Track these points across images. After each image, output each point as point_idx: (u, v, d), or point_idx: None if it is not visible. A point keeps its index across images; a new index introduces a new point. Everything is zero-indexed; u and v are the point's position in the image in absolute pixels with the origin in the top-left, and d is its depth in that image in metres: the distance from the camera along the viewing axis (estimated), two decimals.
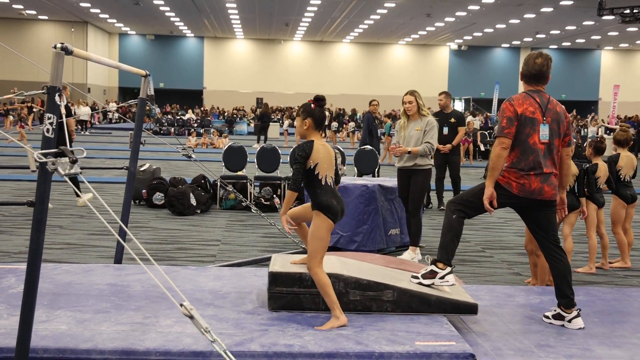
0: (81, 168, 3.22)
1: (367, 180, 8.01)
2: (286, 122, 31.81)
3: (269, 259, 7.04)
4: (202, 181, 10.93)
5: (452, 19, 38.17)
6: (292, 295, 4.46)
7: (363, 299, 4.46)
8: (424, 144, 7.09)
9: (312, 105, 4.43)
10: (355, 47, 52.07)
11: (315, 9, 35.99)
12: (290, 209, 4.61)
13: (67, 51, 3.45)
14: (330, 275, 4.36)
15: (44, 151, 3.18)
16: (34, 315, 3.31)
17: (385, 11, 35.98)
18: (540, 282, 6.07)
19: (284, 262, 4.76)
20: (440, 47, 52.31)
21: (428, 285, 4.65)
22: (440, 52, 52.71)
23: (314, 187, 4.35)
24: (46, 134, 3.31)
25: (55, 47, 3.43)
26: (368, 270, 4.80)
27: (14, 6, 39.17)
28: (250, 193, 10.83)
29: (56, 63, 3.42)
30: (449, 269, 4.70)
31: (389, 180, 8.34)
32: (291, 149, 11.27)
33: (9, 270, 5.27)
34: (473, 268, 7.18)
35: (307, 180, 4.36)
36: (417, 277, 4.73)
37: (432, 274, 4.69)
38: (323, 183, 4.34)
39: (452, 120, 10.62)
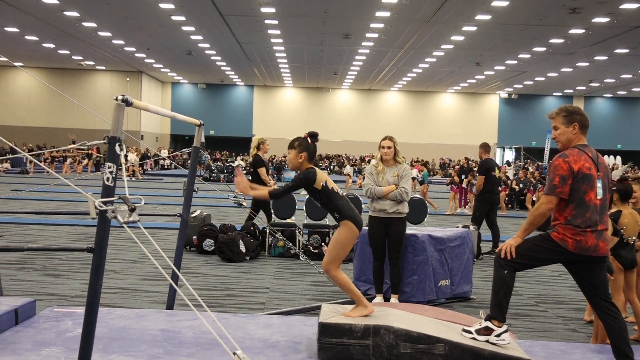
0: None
1: (417, 230, 7.98)
2: (348, 167, 31.94)
3: (318, 307, 7.05)
4: (252, 228, 11.03)
5: (502, 68, 38.14)
6: (342, 347, 4.45)
7: (414, 352, 4.43)
8: (399, 188, 7.11)
9: (309, 140, 4.91)
10: (403, 95, 52.34)
11: (363, 57, 36.41)
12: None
13: (127, 103, 3.55)
14: (379, 327, 4.36)
15: (104, 199, 3.28)
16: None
17: (433, 60, 36.19)
18: (600, 341, 5.80)
19: (334, 312, 4.76)
20: (490, 95, 52.22)
21: (484, 342, 4.57)
22: (490, 101, 52.58)
23: (335, 201, 4.81)
24: (106, 182, 3.40)
25: (116, 99, 3.53)
26: (418, 322, 4.77)
27: (74, 57, 40.60)
28: (299, 241, 10.88)
29: (117, 114, 3.52)
30: (505, 326, 4.60)
31: (439, 230, 8.30)
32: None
33: (66, 314, 5.39)
34: (526, 322, 7.05)
35: (326, 200, 4.81)
36: (469, 332, 4.66)
37: (487, 331, 4.61)
38: (341, 194, 4.85)
39: (457, 169, 10.87)
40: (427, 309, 6.33)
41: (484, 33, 28.27)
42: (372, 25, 27.63)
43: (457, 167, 25.20)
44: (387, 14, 25.30)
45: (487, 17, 25.20)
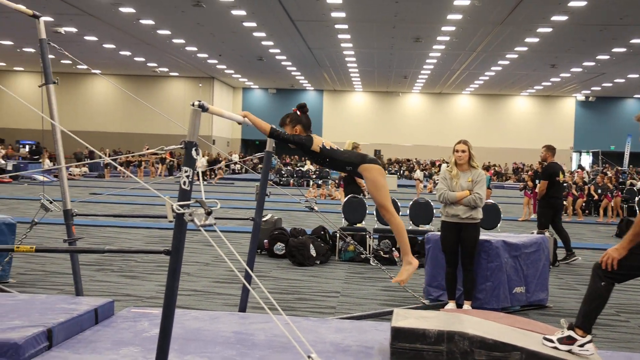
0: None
1: (490, 236, 7.85)
2: (418, 172, 31.78)
3: (389, 312, 7.01)
4: (322, 232, 11.06)
5: (579, 70, 37.20)
6: (415, 352, 4.41)
7: (489, 359, 4.35)
8: (473, 194, 6.98)
9: (298, 113, 4.82)
10: (475, 99, 51.66)
11: (434, 61, 36.12)
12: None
13: (203, 108, 3.61)
14: (454, 333, 4.30)
15: (181, 202, 3.34)
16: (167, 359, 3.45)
17: (506, 62, 35.60)
18: None
19: (407, 317, 4.72)
20: (565, 98, 51.00)
21: (566, 352, 4.44)
22: (565, 103, 51.34)
23: (339, 156, 4.78)
24: (183, 186, 3.46)
25: (193, 104, 3.59)
26: (493, 329, 4.68)
27: (149, 64, 41.68)
28: (369, 245, 10.85)
29: (193, 119, 3.58)
30: (589, 337, 4.44)
31: (513, 236, 8.13)
32: (412, 201, 11.25)
33: (142, 314, 5.52)
34: (607, 332, 6.82)
35: (330, 160, 4.79)
36: (551, 341, 4.52)
37: (570, 340, 4.44)
38: (341, 149, 4.84)
39: (530, 173, 10.63)
40: (502, 316, 6.20)
41: (560, 34, 27.62)
42: (444, 28, 27.39)
43: (530, 171, 24.69)
44: (458, 16, 25.03)
45: (564, 17, 24.62)
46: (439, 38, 29.55)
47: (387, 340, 4.58)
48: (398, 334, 4.43)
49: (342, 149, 4.87)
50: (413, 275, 9.48)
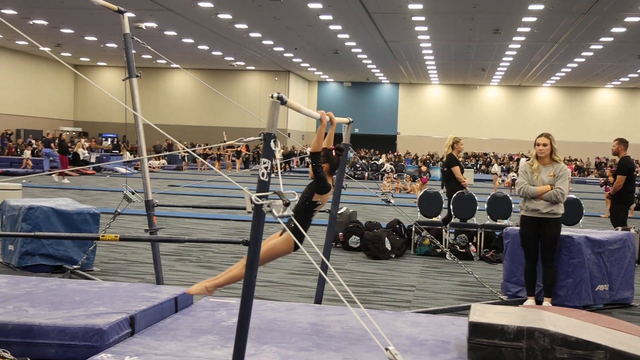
0: None
1: (572, 231, 7.64)
2: (495, 166, 31.23)
3: (466, 307, 6.92)
4: (397, 226, 11.00)
5: None
6: (493, 348, 4.33)
7: (571, 357, 4.23)
8: (555, 188, 6.78)
9: (333, 153, 4.88)
10: (556, 92, 50.35)
11: (514, 53, 35.36)
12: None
13: (282, 101, 3.62)
14: (534, 329, 4.20)
15: (260, 194, 3.37)
16: (245, 349, 3.50)
17: (590, 54, 34.53)
18: None
19: (485, 312, 4.64)
20: None
21: None
22: None
23: (302, 220, 4.75)
24: (261, 177, 3.49)
25: (272, 96, 3.60)
26: (576, 327, 4.55)
27: (226, 58, 42.32)
28: (446, 239, 10.73)
29: (272, 111, 3.59)
30: None
31: (596, 232, 7.89)
32: (490, 196, 11.06)
33: (220, 304, 5.62)
34: None
35: (304, 212, 4.82)
36: None
37: None
38: (311, 218, 4.92)
39: (613, 168, 10.22)
40: (584, 314, 6.03)
41: None
42: (524, 19, 26.75)
43: (613, 166, 23.91)
44: (540, 7, 24.39)
45: None
46: (519, 29, 28.88)
47: (464, 335, 4.52)
48: (476, 329, 4.37)
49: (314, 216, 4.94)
50: (490, 271, 9.33)
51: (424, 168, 26.53)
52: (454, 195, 10.88)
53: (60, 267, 7.93)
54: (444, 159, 11.26)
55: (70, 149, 27.61)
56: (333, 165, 4.90)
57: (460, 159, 12.91)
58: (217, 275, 5.02)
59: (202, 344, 4.48)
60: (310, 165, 4.81)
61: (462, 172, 11.14)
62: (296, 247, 4.72)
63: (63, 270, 7.79)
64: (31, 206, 7.87)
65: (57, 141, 26.83)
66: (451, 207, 10.85)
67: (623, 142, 10.52)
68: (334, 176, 5.10)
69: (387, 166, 34.66)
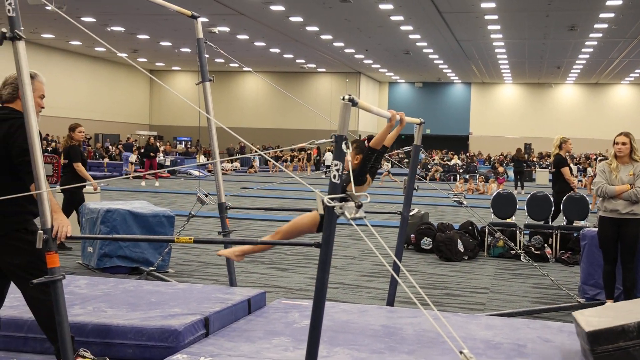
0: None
1: None
2: (571, 165, 30.45)
3: (542, 310, 6.79)
4: (470, 227, 10.86)
5: None
6: (620, 351, 4.09)
7: None
8: (634, 188, 6.58)
9: (366, 144, 4.85)
10: (635, 89, 48.75)
11: (590, 50, 34.42)
12: None
13: (353, 102, 3.61)
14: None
15: (332, 196, 3.37)
16: (318, 351, 3.50)
17: None
18: None
19: (592, 318, 4.39)
20: None
21: None
22: None
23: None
24: (333, 179, 3.49)
25: (343, 98, 3.60)
26: None
27: (297, 61, 42.65)
28: (520, 241, 10.52)
29: (343, 113, 3.58)
30: None
31: None
32: (566, 197, 10.79)
33: (292, 306, 5.65)
34: None
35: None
36: None
37: None
38: None
39: None
40: None
41: None
42: (602, 15, 25.99)
43: None
44: (618, 2, 23.66)
45: None
46: (596, 26, 28.09)
47: (583, 346, 4.31)
48: (596, 337, 4.14)
49: None
50: (567, 273, 9.11)
51: (500, 169, 26.05)
52: (564, 197, 10.60)
53: (137, 268, 8.14)
54: (552, 160, 11.02)
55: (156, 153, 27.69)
56: (364, 157, 4.84)
57: (535, 159, 12.55)
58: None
59: (275, 346, 4.52)
60: (353, 153, 4.83)
61: (572, 173, 10.86)
62: (319, 229, 4.78)
63: (140, 272, 7.99)
64: (109, 209, 8.11)
65: (142, 145, 27.37)
66: (561, 208, 10.58)
67: None
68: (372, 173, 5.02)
69: (457, 162, 34.24)
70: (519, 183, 25.33)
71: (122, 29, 32.14)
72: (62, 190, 9.43)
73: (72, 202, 9.31)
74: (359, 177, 4.76)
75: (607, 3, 23.89)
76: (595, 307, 5.22)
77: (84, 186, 9.68)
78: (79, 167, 9.45)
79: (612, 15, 25.84)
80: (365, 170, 4.85)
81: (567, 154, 10.97)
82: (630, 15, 25.79)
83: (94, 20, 29.43)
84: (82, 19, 28.39)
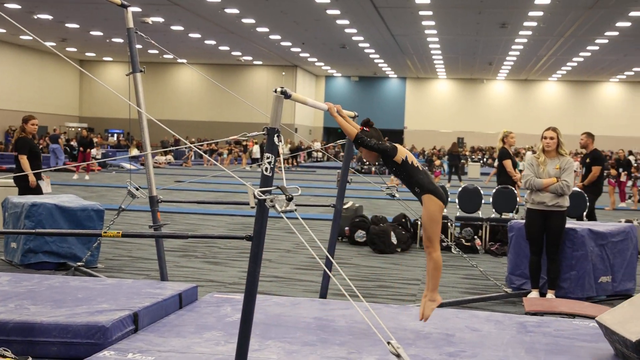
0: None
1: (576, 224, 7.62)
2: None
3: (470, 300, 6.93)
4: (403, 220, 10.99)
5: None
6: None
7: None
8: (560, 181, 6.80)
9: (366, 129, 4.83)
10: (562, 86, 50.20)
11: (520, 47, 35.26)
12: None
13: (286, 95, 3.61)
14: None
15: (263, 189, 3.36)
16: (249, 344, 3.49)
17: (596, 48, 34.40)
18: None
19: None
20: None
21: None
22: None
23: (415, 176, 4.73)
24: (264, 172, 3.48)
25: (275, 91, 3.59)
26: None
27: (233, 53, 42.32)
28: (451, 233, 10.70)
29: (276, 106, 3.58)
30: None
31: (600, 224, 7.88)
32: (496, 189, 11.03)
33: (224, 300, 5.62)
34: None
35: (406, 174, 4.74)
36: None
37: None
38: (421, 169, 4.78)
39: (588, 160, 10.64)
40: (587, 305, 6.03)
41: None
42: (531, 13, 26.64)
43: (612, 160, 23.87)
44: (547, 1, 24.29)
45: None
46: (525, 23, 28.78)
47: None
48: None
49: (421, 168, 4.82)
50: (495, 264, 9.34)
51: (437, 162, 26.38)
52: (495, 190, 10.86)
53: (64, 264, 7.93)
54: (496, 153, 11.28)
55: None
56: (376, 137, 4.85)
57: (467, 153, 12.79)
58: None
59: (206, 340, 4.48)
60: (362, 151, 4.84)
61: (516, 166, 11.11)
62: (443, 201, 4.79)
63: (67, 268, 7.80)
64: (34, 203, 7.86)
65: (72, 137, 26.76)
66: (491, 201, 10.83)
67: (591, 136, 10.94)
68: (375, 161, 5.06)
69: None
70: (453, 176, 25.81)
71: (50, 17, 31.22)
72: (15, 183, 9.37)
73: (29, 193, 9.12)
74: (389, 146, 4.77)
75: (536, 2, 24.51)
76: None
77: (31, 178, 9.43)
78: (23, 159, 9.27)
79: (540, 13, 26.52)
80: (386, 144, 4.80)
81: (511, 147, 11.24)
82: (558, 14, 26.53)
83: (19, 7, 28.46)
84: (6, 5, 27.43)
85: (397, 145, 4.82)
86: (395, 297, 7.22)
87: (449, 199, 11.27)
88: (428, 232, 4.77)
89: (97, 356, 4.05)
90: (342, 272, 3.20)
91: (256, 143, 34.92)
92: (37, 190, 9.31)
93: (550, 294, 6.96)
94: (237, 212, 14.11)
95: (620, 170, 19.25)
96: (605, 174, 19.10)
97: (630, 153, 36.75)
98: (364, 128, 4.84)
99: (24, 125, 9.60)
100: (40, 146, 32.80)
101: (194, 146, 4.05)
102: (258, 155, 33.22)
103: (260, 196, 3.29)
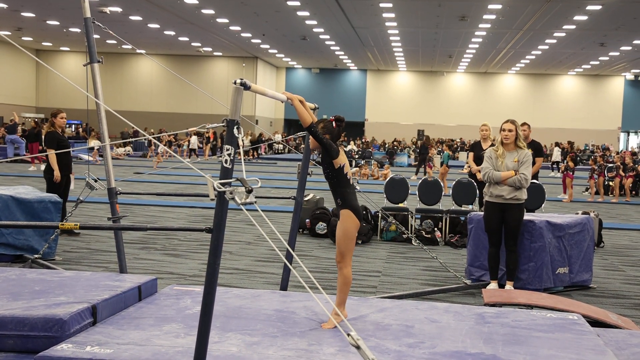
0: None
1: (534, 216, 7.74)
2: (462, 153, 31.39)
3: (430, 292, 7.00)
4: (364, 212, 11.03)
5: (629, 48, 36.28)
6: None
7: None
8: (518, 174, 6.91)
9: (334, 124, 4.86)
10: (521, 79, 50.87)
11: (480, 40, 35.61)
12: None
13: (245, 86, 3.58)
14: None
15: (222, 181, 3.34)
16: (209, 336, 3.48)
17: (554, 41, 34.91)
18: None
19: None
20: (614, 77, 49.87)
21: None
22: (614, 83, 50.21)
23: (344, 186, 4.81)
24: (224, 164, 3.46)
25: (235, 82, 3.56)
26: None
27: (193, 44, 41.94)
28: (411, 225, 10.79)
29: (235, 97, 3.56)
30: None
31: (557, 216, 8.01)
32: (456, 181, 11.14)
33: (185, 292, 5.58)
34: None
35: (336, 181, 4.79)
36: None
37: None
38: (351, 182, 4.85)
39: (530, 150, 10.45)
40: (544, 296, 6.14)
41: (610, 12, 26.91)
42: (490, 6, 26.92)
43: (572, 152, 24.31)
44: None
45: None
46: (485, 16, 29.07)
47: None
48: None
49: (351, 182, 4.90)
50: (455, 255, 9.45)
51: (433, 152, 25.24)
52: (454, 182, 10.93)
53: (21, 256, 7.81)
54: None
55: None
56: (334, 136, 4.85)
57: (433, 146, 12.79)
58: None
59: (166, 333, 4.45)
60: (311, 138, 4.85)
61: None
62: (360, 220, 4.86)
63: (24, 260, 7.68)
64: None
65: (28, 128, 26.31)
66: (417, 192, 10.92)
67: (530, 127, 10.57)
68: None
69: (353, 148, 34.70)
70: (420, 169, 25.91)
71: (5, 6, 30.55)
72: (44, 175, 9.56)
73: (55, 187, 9.23)
74: (335, 147, 4.75)
75: None
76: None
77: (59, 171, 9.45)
78: (51, 153, 9.32)
79: (499, 7, 26.82)
80: (336, 145, 4.82)
81: (487, 140, 10.99)
82: (516, 7, 26.86)
83: None
84: None
85: (341, 151, 4.85)
86: (356, 289, 7.25)
87: (410, 192, 11.39)
88: (342, 247, 4.85)
89: (55, 349, 3.99)
90: (303, 265, 3.20)
91: (195, 134, 34.61)
92: (65, 186, 9.46)
93: (508, 285, 7.06)
94: (197, 204, 14.02)
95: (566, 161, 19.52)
96: (563, 167, 19.36)
97: (570, 145, 37.50)
98: (334, 123, 4.86)
99: (52, 120, 9.70)
100: None
101: (153, 138, 4.00)
102: (195, 147, 33.42)
103: (220, 188, 3.27)
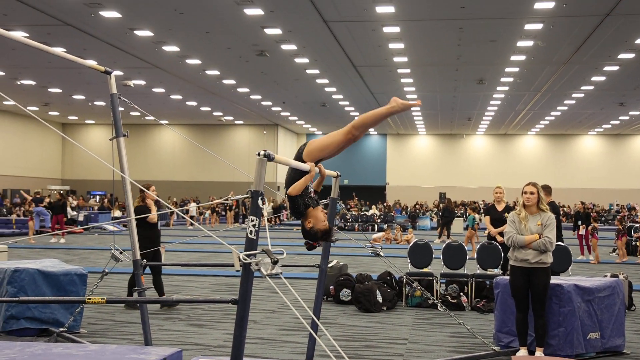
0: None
1: (562, 280, 7.63)
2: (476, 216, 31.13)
3: None
4: (388, 278, 10.95)
5: None
6: None
7: None
8: (543, 237, 6.84)
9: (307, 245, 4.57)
10: (541, 139, 50.87)
11: (498, 102, 35.81)
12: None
13: (269, 158, 3.62)
14: None
15: (248, 252, 3.35)
16: None
17: (572, 102, 35.01)
18: None
19: None
20: (635, 136, 49.67)
21: None
22: (636, 142, 49.97)
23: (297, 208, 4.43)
24: (249, 235, 3.47)
25: (258, 154, 3.60)
26: None
27: (214, 113, 42.60)
28: (437, 290, 10.67)
29: (259, 169, 3.59)
30: None
31: (586, 279, 7.89)
32: (480, 245, 11.05)
33: None
34: None
35: (294, 211, 4.47)
36: None
37: None
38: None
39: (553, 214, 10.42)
40: None
41: (628, 72, 27.01)
42: (507, 69, 27.17)
43: (594, 213, 23.97)
44: (522, 57, 24.82)
45: (631, 55, 24.10)
46: (502, 79, 29.31)
47: None
48: None
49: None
50: (482, 321, 9.29)
51: (473, 214, 24.12)
52: (479, 245, 10.88)
53: (47, 330, 7.81)
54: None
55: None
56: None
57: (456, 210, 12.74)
58: None
59: None
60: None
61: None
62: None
63: (49, 334, 7.67)
64: (17, 268, 7.77)
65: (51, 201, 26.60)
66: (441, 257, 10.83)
67: (546, 188, 10.53)
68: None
69: (375, 213, 34.57)
70: (444, 232, 25.71)
71: (33, 83, 31.40)
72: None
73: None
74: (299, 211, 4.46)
75: (512, 58, 25.01)
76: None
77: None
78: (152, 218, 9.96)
79: (516, 69, 27.05)
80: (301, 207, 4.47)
81: (502, 202, 10.90)
82: (533, 69, 27.07)
83: (2, 73, 28.68)
84: None
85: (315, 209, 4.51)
86: (382, 357, 7.14)
87: (434, 256, 11.30)
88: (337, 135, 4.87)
89: None
90: (328, 334, 3.18)
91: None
92: (152, 259, 9.57)
93: (538, 352, 6.92)
94: (221, 273, 13.99)
95: (579, 223, 19.20)
96: (591, 229, 18.98)
97: (583, 205, 37.18)
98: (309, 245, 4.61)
99: (143, 195, 9.98)
100: (25, 209, 32.54)
101: (174, 209, 4.03)
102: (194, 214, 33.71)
103: (246, 260, 3.28)
